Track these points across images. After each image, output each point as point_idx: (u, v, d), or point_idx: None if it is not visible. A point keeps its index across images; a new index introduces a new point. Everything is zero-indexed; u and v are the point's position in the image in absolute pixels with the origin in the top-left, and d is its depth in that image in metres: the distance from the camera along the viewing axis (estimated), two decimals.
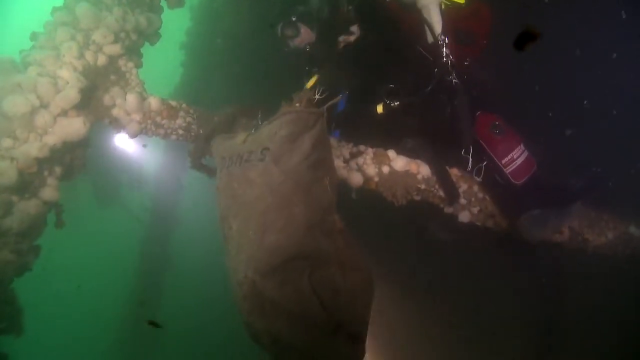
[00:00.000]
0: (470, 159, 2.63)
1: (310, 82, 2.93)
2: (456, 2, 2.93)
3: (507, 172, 2.64)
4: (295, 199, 1.74)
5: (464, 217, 2.91)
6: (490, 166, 2.64)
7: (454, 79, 2.65)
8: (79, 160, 3.00)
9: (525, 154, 2.72)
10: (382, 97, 2.66)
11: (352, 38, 2.93)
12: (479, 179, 2.68)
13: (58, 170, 2.80)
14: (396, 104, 2.64)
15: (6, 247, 2.49)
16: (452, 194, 2.74)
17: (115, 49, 2.97)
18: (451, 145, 2.80)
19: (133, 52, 3.23)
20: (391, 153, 2.84)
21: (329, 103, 1.94)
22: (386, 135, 2.87)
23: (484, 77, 2.93)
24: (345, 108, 2.85)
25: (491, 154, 2.65)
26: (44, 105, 2.61)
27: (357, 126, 2.89)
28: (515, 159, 2.66)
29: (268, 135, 1.88)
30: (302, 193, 1.75)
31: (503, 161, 2.64)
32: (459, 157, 2.74)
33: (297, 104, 1.92)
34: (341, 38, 2.94)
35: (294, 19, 2.98)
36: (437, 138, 2.82)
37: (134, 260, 9.20)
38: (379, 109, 2.70)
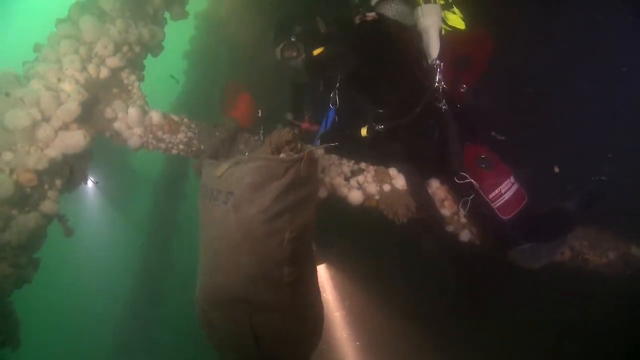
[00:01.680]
0: (473, 181, 2.54)
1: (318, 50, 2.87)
2: (456, 28, 2.91)
3: (495, 207, 2.57)
4: (243, 249, 1.80)
5: (465, 236, 2.89)
6: (477, 200, 2.57)
7: (444, 105, 2.60)
8: (79, 172, 3.00)
9: (515, 187, 2.65)
10: (369, 120, 2.65)
11: (369, 17, 2.86)
12: (464, 212, 2.63)
13: (58, 182, 2.79)
14: (381, 127, 2.62)
15: (4, 261, 2.49)
16: (435, 223, 2.70)
17: (116, 60, 2.97)
18: (441, 172, 2.75)
19: (135, 65, 3.23)
20: (392, 171, 2.83)
21: (311, 149, 1.91)
22: (371, 159, 2.87)
23: (481, 103, 2.89)
24: (331, 128, 2.83)
25: (477, 188, 2.57)
26: (46, 119, 2.61)
27: (342, 149, 2.84)
28: (503, 193, 2.59)
29: (237, 178, 1.88)
30: (251, 245, 1.80)
31: (490, 196, 2.57)
32: (450, 183, 2.69)
33: (274, 148, 1.90)
34: (358, 16, 2.88)
35: (293, 39, 2.97)
36: (425, 164, 2.78)
37: (134, 267, 9.21)
38: (363, 132, 2.67)
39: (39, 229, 2.67)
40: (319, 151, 2.61)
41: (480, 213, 2.60)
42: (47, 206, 2.69)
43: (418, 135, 2.67)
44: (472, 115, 2.77)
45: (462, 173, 2.54)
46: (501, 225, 2.58)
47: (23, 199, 2.57)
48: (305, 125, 3.09)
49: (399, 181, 2.80)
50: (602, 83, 3.56)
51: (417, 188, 2.73)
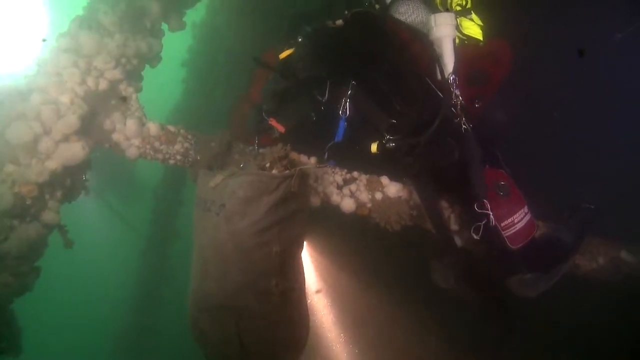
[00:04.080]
0: (490, 213, 2.38)
1: (285, 53, 2.79)
2: (474, 38, 2.73)
3: (505, 235, 2.49)
4: (233, 259, 1.89)
5: (457, 241, 2.94)
6: (488, 226, 2.44)
7: (463, 123, 2.46)
8: (79, 182, 3.07)
9: (527, 217, 2.56)
10: (382, 132, 2.52)
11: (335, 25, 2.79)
12: (477, 237, 2.45)
13: (59, 193, 2.87)
14: (392, 145, 2.46)
15: (6, 270, 2.56)
16: (446, 243, 2.64)
17: (116, 74, 3.05)
18: (458, 194, 2.65)
19: (133, 76, 3.31)
20: (384, 179, 2.89)
21: (302, 167, 1.97)
22: (383, 172, 2.85)
23: (496, 119, 2.81)
24: (341, 141, 2.72)
25: (491, 215, 2.43)
26: (47, 132, 2.69)
27: (352, 161, 2.84)
28: (515, 223, 2.49)
29: (230, 191, 1.95)
30: (241, 256, 1.89)
31: (502, 224, 2.47)
32: (464, 206, 2.61)
33: (267, 164, 1.98)
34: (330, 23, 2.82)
35: (300, 39, 2.90)
36: (441, 184, 2.66)
37: (134, 272, 9.27)
38: (373, 147, 2.54)
39: (40, 239, 2.74)
40: (311, 165, 2.64)
41: (488, 239, 2.50)
42: (48, 216, 2.77)
43: (437, 154, 2.52)
44: (487, 133, 2.64)
45: (485, 201, 2.40)
46: (508, 254, 2.53)
47: (24, 209, 2.64)
48: (272, 121, 2.83)
49: (391, 189, 2.86)
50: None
51: (432, 209, 2.64)
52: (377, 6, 2.96)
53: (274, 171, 1.98)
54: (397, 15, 2.84)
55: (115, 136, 2.97)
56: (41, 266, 2.94)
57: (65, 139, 2.74)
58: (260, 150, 2.39)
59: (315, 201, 2.80)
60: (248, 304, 1.87)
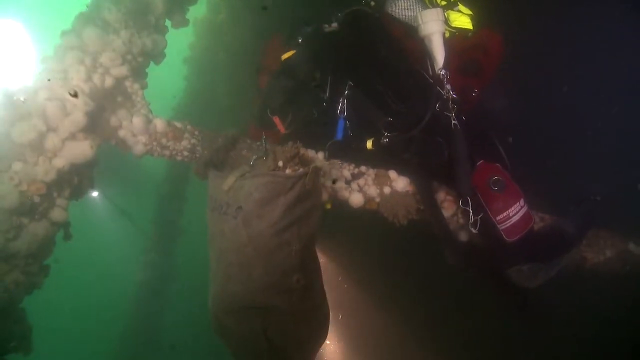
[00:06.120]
0: (470, 210, 2.49)
1: (287, 54, 2.85)
2: (463, 29, 2.74)
3: (501, 229, 2.54)
4: (256, 263, 1.89)
5: (463, 236, 2.95)
6: (484, 219, 2.53)
7: (454, 119, 2.50)
8: (86, 180, 3.07)
9: (524, 210, 2.60)
10: (379, 130, 2.60)
11: (330, 29, 2.84)
12: (475, 231, 2.54)
13: (67, 191, 2.86)
14: (386, 141, 2.57)
15: (16, 268, 2.56)
16: (445, 238, 2.69)
17: (122, 71, 3.04)
18: (451, 188, 2.75)
19: (139, 73, 3.29)
20: (392, 174, 2.89)
21: (316, 164, 1.98)
22: (378, 165, 2.89)
23: (494, 107, 2.83)
24: (342, 140, 2.77)
25: (486, 208, 2.52)
26: (53, 129, 2.68)
27: (352, 159, 2.89)
28: (511, 216, 2.54)
29: (246, 193, 1.94)
30: (263, 258, 1.89)
31: (497, 218, 2.52)
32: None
33: (280, 162, 1.97)
34: (325, 27, 2.85)
35: (300, 40, 2.93)
36: (435, 179, 2.75)
37: (137, 271, 9.28)
38: (369, 144, 2.65)
39: (49, 237, 2.74)
40: (322, 162, 2.66)
41: (485, 232, 2.56)
42: (56, 214, 2.76)
43: (427, 152, 2.61)
44: (485, 124, 2.68)
45: (467, 198, 2.49)
46: (504, 246, 2.57)
47: (33, 207, 2.63)
48: (276, 119, 2.95)
49: (399, 183, 2.86)
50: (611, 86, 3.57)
51: (427, 200, 2.71)
52: (372, 3, 2.96)
53: (288, 170, 1.98)
54: (391, 12, 2.87)
55: (122, 133, 2.97)
56: (50, 265, 2.95)
57: (72, 136, 2.74)
58: (267, 147, 2.38)
59: (323, 196, 2.79)
60: (273, 303, 1.89)
